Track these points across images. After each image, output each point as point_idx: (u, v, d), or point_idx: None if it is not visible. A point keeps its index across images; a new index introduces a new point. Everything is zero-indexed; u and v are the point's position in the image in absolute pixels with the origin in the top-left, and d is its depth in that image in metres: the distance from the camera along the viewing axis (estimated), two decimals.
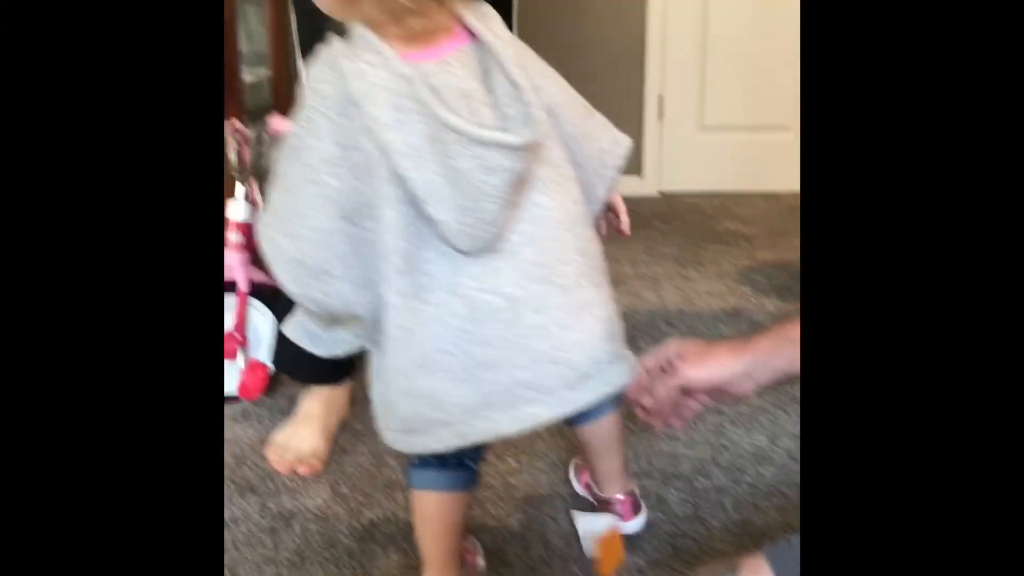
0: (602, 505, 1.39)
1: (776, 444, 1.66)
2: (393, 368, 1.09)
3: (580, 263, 1.11)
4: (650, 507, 1.43)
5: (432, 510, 1.20)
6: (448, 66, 1.03)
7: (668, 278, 2.60)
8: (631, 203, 1.30)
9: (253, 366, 1.82)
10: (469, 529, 1.34)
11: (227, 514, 1.47)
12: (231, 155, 1.81)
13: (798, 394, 1.89)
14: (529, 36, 1.25)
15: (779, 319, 2.31)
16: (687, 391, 1.10)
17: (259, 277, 1.85)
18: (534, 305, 1.06)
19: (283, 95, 2.47)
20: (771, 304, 2.39)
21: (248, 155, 1.83)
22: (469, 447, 1.12)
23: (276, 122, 1.84)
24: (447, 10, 1.04)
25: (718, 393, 1.10)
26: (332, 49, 1.03)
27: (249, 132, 1.85)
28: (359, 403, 1.83)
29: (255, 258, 1.85)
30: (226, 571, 1.33)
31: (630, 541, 1.34)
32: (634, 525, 1.38)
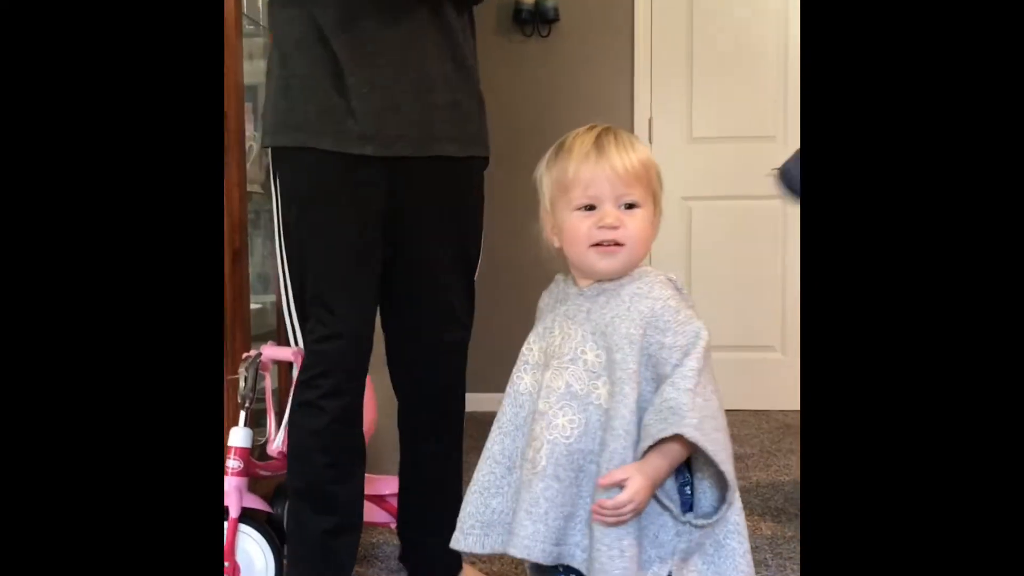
0: None
1: None
2: None
3: None
4: None
5: None
6: None
7: None
8: None
9: None
10: None
11: None
12: (241, 382, 1.84)
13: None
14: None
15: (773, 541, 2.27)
16: None
17: (252, 503, 1.84)
18: None
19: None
20: (766, 527, 2.37)
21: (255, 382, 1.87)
22: None
23: (270, 351, 1.90)
24: None
25: None
26: None
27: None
28: None
29: (250, 483, 1.86)
30: None
31: None
32: None
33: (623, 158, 1.17)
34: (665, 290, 1.19)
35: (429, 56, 1.62)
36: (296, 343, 1.73)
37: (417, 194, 1.68)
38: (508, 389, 1.26)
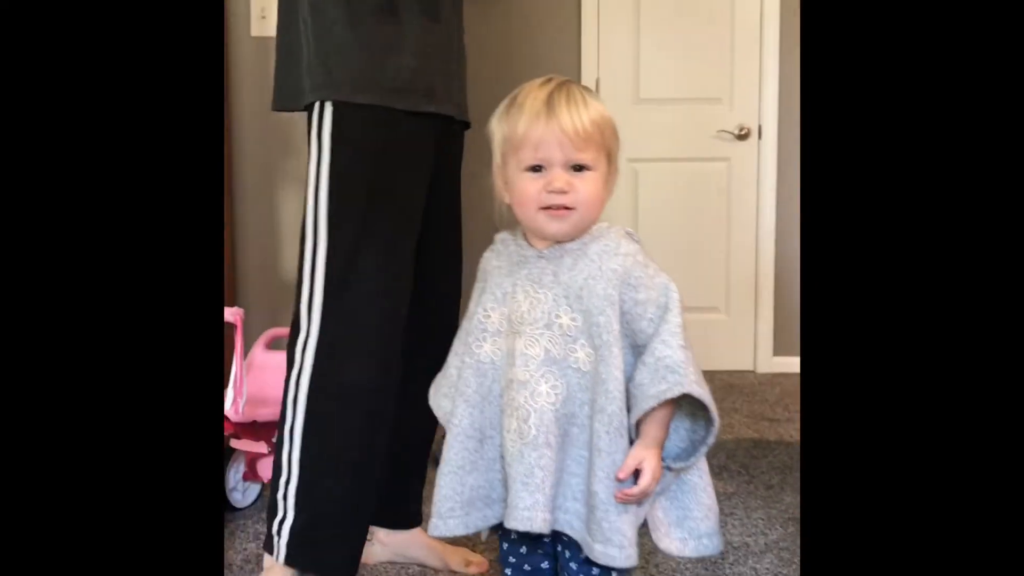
0: None
1: None
2: None
3: None
4: None
5: None
6: None
7: None
8: None
9: None
10: None
11: None
12: None
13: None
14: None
15: None
16: None
17: None
18: None
19: None
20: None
21: None
22: None
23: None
24: None
25: None
26: None
27: None
28: None
29: None
30: None
31: None
32: None
33: (574, 119, 1.13)
34: (631, 245, 1.19)
35: (453, 25, 1.70)
36: (311, 308, 1.62)
37: (446, 155, 1.73)
38: (465, 359, 1.23)
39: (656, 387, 1.11)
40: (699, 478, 1.21)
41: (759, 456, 2.65)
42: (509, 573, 1.29)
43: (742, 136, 3.78)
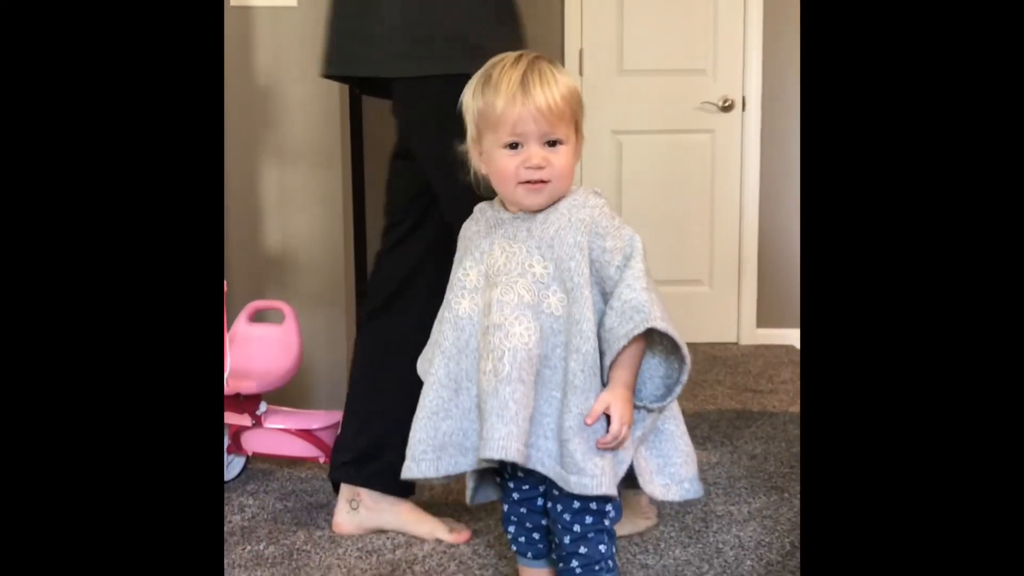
0: None
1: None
2: None
3: None
4: None
5: None
6: None
7: None
8: None
9: None
10: None
11: None
12: None
13: (722, 545, 1.87)
14: None
15: None
16: None
17: None
18: None
19: None
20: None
21: None
22: None
23: None
24: None
25: None
26: None
27: None
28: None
29: None
30: None
31: None
32: None
33: (547, 96, 1.20)
34: (598, 199, 1.27)
35: None
36: None
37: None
38: (445, 314, 1.31)
39: (624, 327, 1.19)
40: (675, 427, 1.30)
41: (742, 427, 2.67)
42: (511, 530, 1.39)
43: (726, 108, 3.77)
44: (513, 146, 1.23)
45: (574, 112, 1.24)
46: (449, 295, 1.32)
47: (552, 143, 1.23)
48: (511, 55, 1.25)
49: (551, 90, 1.20)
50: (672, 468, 1.28)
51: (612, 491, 1.21)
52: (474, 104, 1.25)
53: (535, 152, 1.22)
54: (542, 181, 1.23)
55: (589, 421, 1.19)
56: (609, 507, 1.28)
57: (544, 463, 1.23)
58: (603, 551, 1.27)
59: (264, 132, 2.53)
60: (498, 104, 1.21)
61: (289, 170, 2.54)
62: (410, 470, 1.28)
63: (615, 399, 1.21)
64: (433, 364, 1.29)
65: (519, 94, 1.20)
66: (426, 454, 1.27)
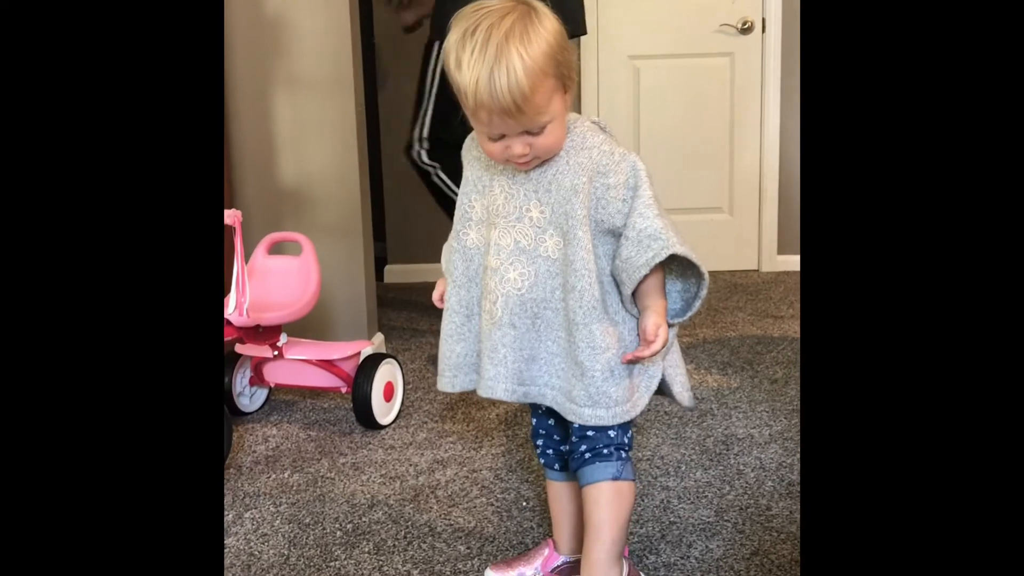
0: None
1: (723, 518, 1.66)
2: None
3: None
4: None
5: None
6: None
7: None
8: None
9: None
10: None
11: None
12: None
13: (743, 467, 1.89)
14: None
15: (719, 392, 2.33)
16: None
17: None
18: None
19: None
20: (712, 379, 2.43)
21: None
22: None
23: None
24: None
25: None
26: None
27: None
28: (298, 493, 1.81)
29: None
30: None
31: None
32: None
33: (513, 93, 1.12)
34: (596, 136, 1.25)
35: None
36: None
37: None
38: (454, 244, 1.34)
39: (644, 256, 1.20)
40: (677, 340, 1.36)
41: (763, 352, 2.66)
42: (540, 443, 1.44)
43: (745, 30, 3.68)
44: (495, 138, 1.20)
45: (552, 82, 1.16)
46: (457, 225, 1.33)
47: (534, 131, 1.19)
48: (483, 22, 1.15)
49: (518, 79, 1.12)
50: (682, 377, 1.34)
51: (629, 417, 1.25)
52: (451, 76, 1.19)
53: (516, 145, 1.18)
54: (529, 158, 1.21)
55: (647, 339, 1.24)
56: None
57: (546, 396, 1.28)
58: (612, 435, 1.29)
59: (276, 62, 2.49)
60: (469, 100, 1.15)
61: (302, 100, 2.51)
62: (439, 384, 1.36)
63: (664, 323, 1.25)
64: (448, 293, 1.34)
65: (487, 92, 1.13)
66: (445, 372, 1.34)
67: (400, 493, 1.80)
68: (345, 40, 2.48)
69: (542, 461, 1.44)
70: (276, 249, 2.28)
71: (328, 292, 2.52)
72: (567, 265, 1.23)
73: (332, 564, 1.54)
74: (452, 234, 1.34)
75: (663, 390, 1.33)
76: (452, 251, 1.34)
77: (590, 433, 1.29)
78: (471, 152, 1.33)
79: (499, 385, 1.28)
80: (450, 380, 1.34)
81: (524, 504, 1.74)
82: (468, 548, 1.59)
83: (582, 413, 1.24)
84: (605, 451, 1.29)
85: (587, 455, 1.29)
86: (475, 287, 1.31)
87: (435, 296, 1.40)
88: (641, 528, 1.64)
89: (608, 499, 1.29)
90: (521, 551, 1.55)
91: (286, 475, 1.90)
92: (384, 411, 2.18)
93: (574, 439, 1.31)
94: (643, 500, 1.73)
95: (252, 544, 1.62)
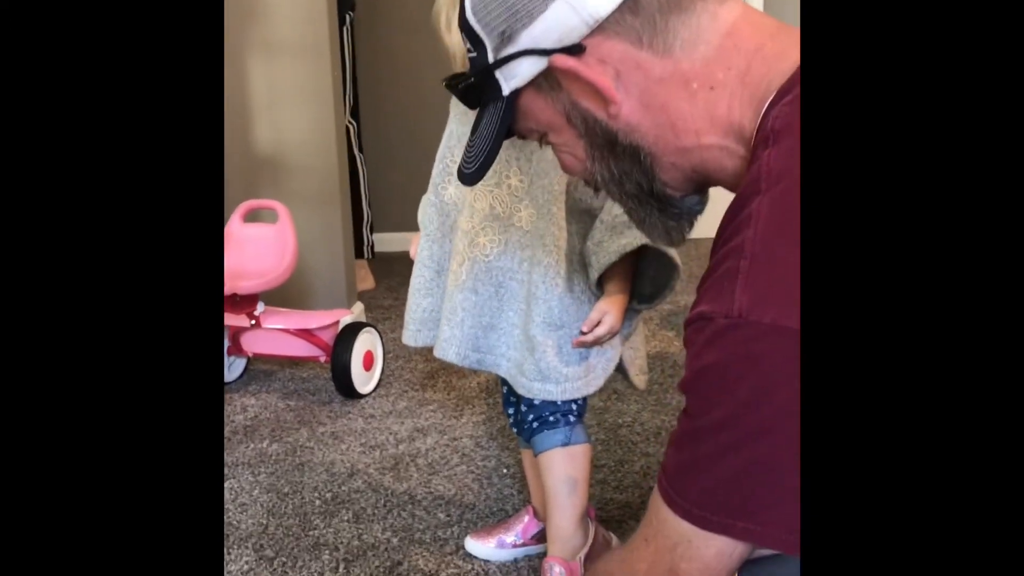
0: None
1: None
2: None
3: None
4: None
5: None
6: None
7: None
8: None
9: None
10: None
11: None
12: None
13: None
14: None
15: None
16: None
17: None
18: None
19: None
20: None
21: None
22: None
23: None
24: None
25: None
26: None
27: None
28: (276, 464, 1.80)
29: None
30: None
31: None
32: None
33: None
34: None
35: None
36: None
37: None
38: (431, 198, 1.32)
39: (616, 242, 1.19)
40: (641, 323, 1.37)
41: None
42: (511, 412, 1.43)
43: None
44: None
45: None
46: (436, 178, 1.31)
47: None
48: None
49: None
50: (640, 360, 1.34)
51: (581, 395, 1.25)
52: (441, 41, 1.18)
53: None
54: None
55: (585, 329, 1.21)
56: None
57: (500, 365, 1.28)
58: (558, 403, 1.28)
59: (250, 25, 2.45)
60: (458, 62, 1.13)
61: (277, 65, 2.47)
62: (404, 337, 1.36)
63: (612, 309, 1.22)
64: (420, 246, 1.33)
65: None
66: (409, 326, 1.34)
67: (380, 462, 1.80)
68: (320, 4, 2.44)
69: (514, 430, 1.44)
70: (252, 217, 2.26)
71: (306, 260, 2.50)
72: (538, 238, 1.21)
73: (311, 533, 1.53)
74: (431, 187, 1.32)
75: (620, 370, 1.32)
76: (429, 204, 1.32)
77: (536, 402, 1.29)
78: (458, 106, 1.31)
79: (451, 348, 1.27)
80: (413, 334, 1.34)
81: (504, 472, 1.74)
82: (448, 516, 1.59)
83: (531, 387, 1.24)
84: (551, 418, 1.29)
85: (535, 424, 1.30)
86: (448, 243, 1.30)
87: (412, 250, 1.38)
88: (621, 495, 1.64)
89: (560, 465, 1.29)
90: (501, 518, 1.55)
91: (265, 445, 1.89)
92: (364, 380, 2.17)
93: (523, 408, 1.31)
94: (623, 467, 1.73)
95: (231, 514, 1.61)
